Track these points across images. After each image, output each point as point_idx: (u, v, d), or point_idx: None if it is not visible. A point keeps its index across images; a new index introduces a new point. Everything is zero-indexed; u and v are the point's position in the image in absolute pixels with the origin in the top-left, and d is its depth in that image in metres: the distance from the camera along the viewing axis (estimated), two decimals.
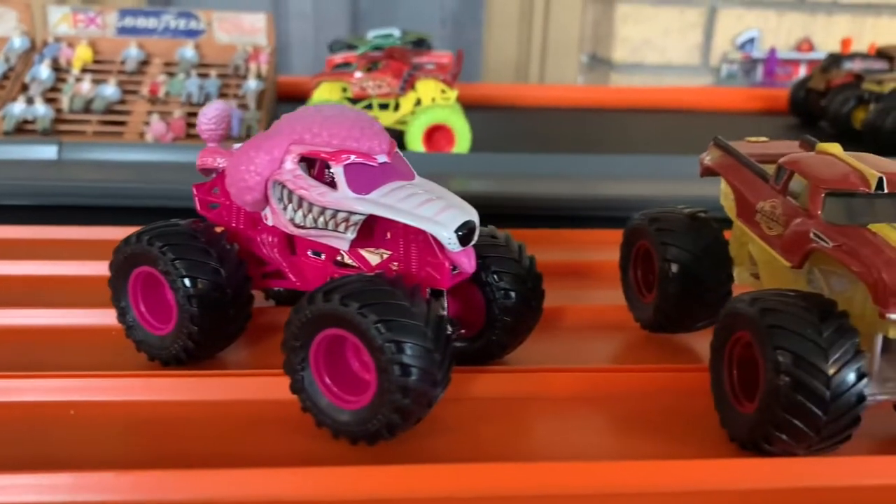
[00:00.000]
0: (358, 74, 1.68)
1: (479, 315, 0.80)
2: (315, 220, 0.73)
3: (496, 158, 1.54)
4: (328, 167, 0.73)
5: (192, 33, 1.95)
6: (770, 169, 0.81)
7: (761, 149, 0.87)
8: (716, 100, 2.46)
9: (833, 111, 2.11)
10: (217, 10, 1.95)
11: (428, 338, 0.65)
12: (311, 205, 0.73)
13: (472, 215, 0.72)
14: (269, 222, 0.78)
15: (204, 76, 1.85)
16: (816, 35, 2.78)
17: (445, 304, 0.77)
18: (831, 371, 0.63)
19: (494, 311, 0.79)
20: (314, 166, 0.75)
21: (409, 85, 1.68)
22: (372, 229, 0.75)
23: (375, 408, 0.66)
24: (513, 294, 0.79)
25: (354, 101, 1.69)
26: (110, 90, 1.78)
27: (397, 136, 1.70)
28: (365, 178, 0.73)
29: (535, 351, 0.87)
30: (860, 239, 0.67)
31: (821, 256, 0.71)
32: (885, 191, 0.70)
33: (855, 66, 2.19)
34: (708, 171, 0.89)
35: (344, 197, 0.72)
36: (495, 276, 0.78)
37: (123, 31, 1.93)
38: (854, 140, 2.02)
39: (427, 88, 1.68)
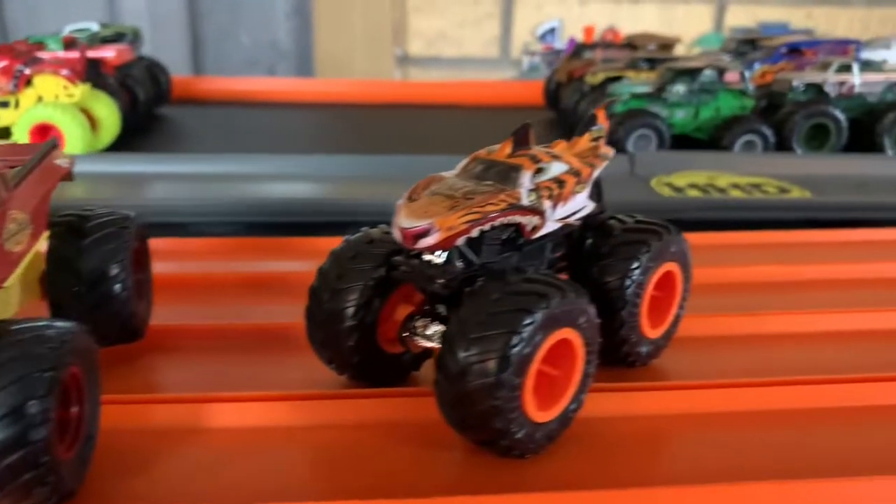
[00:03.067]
0: None
1: None
2: None
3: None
4: None
5: None
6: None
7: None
8: (485, 94, 2.32)
9: (563, 104, 1.97)
10: None
11: None
12: None
13: None
14: None
15: None
16: (623, 24, 2.63)
17: None
18: None
19: None
20: None
21: (22, 82, 1.57)
22: None
23: None
24: None
25: None
26: None
27: (8, 136, 1.60)
28: None
29: None
30: None
31: None
32: None
33: (596, 55, 2.05)
34: None
35: None
36: None
37: None
38: None
39: (47, 85, 1.58)
